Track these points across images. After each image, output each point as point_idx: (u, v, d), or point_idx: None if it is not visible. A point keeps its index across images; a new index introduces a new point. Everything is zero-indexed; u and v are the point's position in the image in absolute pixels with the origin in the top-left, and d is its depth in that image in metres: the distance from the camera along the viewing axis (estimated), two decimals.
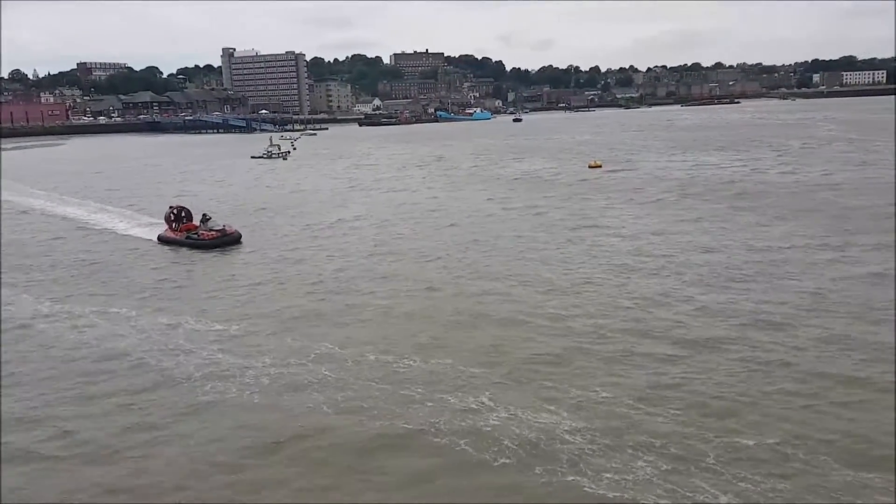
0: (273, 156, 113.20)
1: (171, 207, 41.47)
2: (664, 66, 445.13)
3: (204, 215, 40.14)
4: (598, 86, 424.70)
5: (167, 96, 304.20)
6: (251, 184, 72.71)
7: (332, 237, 40.50)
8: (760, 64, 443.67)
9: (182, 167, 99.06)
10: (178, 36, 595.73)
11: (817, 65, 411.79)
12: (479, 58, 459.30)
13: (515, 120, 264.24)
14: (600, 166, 71.20)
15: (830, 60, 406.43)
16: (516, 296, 25.93)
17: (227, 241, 38.32)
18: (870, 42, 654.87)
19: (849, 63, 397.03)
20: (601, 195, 51.82)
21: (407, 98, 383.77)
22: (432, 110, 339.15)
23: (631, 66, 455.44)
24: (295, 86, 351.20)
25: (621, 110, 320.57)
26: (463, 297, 26.10)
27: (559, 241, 35.65)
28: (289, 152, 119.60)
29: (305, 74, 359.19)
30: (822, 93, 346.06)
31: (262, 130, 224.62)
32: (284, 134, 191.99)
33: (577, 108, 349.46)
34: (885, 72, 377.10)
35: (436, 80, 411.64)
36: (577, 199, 50.52)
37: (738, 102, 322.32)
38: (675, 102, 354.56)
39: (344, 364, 19.89)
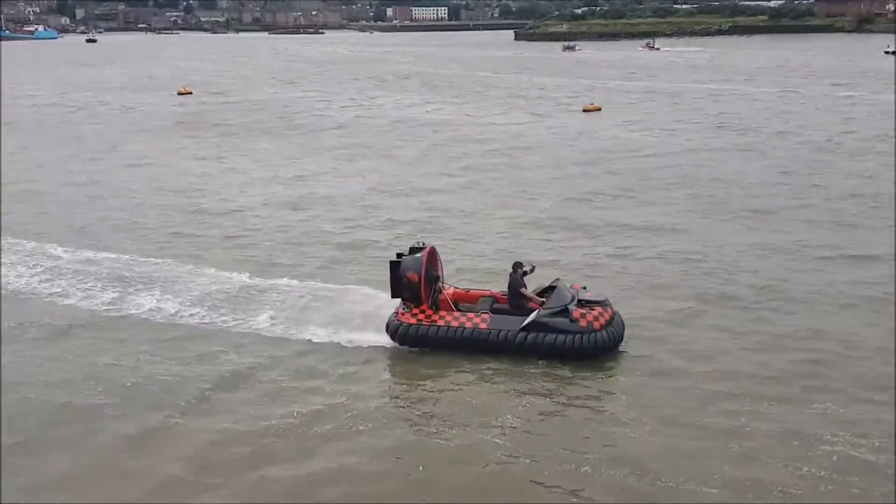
0: None
1: (418, 246, 16.34)
2: None
3: (518, 265, 15.97)
4: (180, 7, 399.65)
5: None
6: None
7: None
8: None
9: None
10: None
11: None
12: None
13: (89, 41, 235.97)
14: None
15: None
16: None
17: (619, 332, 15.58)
18: None
19: None
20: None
21: None
22: None
23: None
24: None
25: (208, 35, 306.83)
26: None
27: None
28: None
29: None
30: (396, 27, 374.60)
31: None
32: None
33: (159, 31, 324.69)
34: (446, 8, 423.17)
35: None
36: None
37: (322, 33, 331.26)
38: (263, 30, 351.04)
39: None
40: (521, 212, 27.45)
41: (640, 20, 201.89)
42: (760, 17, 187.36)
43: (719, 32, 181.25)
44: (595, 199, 29.04)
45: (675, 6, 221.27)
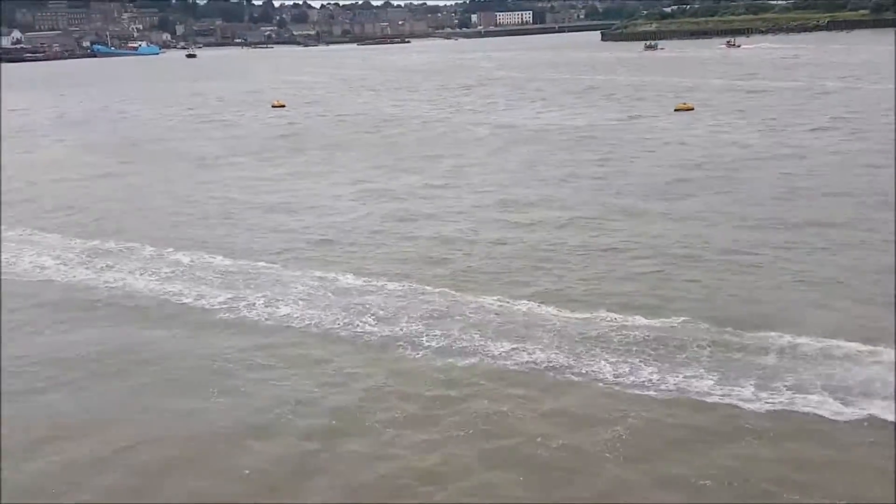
0: None
1: None
2: (337, 4, 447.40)
3: None
4: (274, 21, 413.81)
5: None
6: None
7: None
8: (425, 4, 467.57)
9: None
10: None
11: (475, 5, 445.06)
12: None
13: (189, 56, 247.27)
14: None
15: (485, 1, 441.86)
16: None
17: None
18: None
19: (501, 3, 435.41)
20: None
21: (55, 30, 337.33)
22: (87, 43, 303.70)
23: (305, 2, 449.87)
24: None
25: (300, 48, 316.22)
26: None
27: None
28: None
29: None
30: (480, 33, 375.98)
31: None
32: None
33: (254, 45, 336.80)
34: (531, 12, 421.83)
35: (89, 9, 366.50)
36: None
37: (408, 41, 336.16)
38: (352, 41, 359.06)
39: None
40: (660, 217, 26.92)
41: (733, 17, 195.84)
42: (861, 11, 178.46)
43: (817, 28, 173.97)
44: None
45: (770, 2, 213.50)
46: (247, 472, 12.63)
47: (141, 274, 22.84)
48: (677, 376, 14.82)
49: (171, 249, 25.08)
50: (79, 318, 19.70)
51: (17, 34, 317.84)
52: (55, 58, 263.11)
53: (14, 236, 28.01)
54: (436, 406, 14.28)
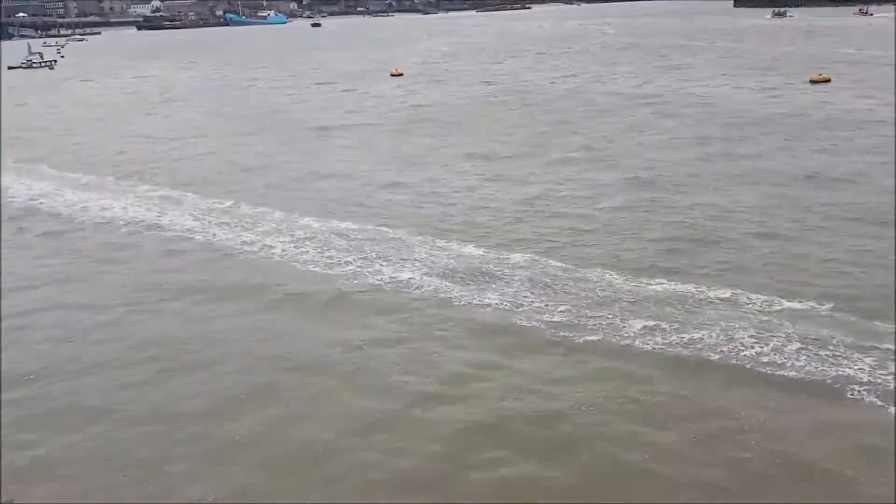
0: (34, 65, 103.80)
1: None
2: None
3: None
4: None
5: None
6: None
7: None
8: None
9: None
10: None
11: None
12: None
13: (314, 25, 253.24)
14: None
15: None
16: None
17: None
18: None
19: None
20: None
21: None
22: (220, 12, 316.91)
23: None
24: None
25: (420, 15, 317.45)
26: None
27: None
28: (55, 61, 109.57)
29: None
30: None
31: (21, 36, 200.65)
32: (48, 40, 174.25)
33: (375, 13, 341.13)
34: None
35: None
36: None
37: (529, 7, 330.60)
38: (471, 8, 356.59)
39: None
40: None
41: None
42: None
43: None
44: None
45: None
46: (374, 468, 12.54)
47: (275, 237, 23.85)
48: (825, 367, 14.31)
49: (296, 215, 26.05)
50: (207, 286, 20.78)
51: (156, 2, 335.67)
52: (191, 26, 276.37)
53: (159, 195, 30.12)
54: (561, 401, 14.01)
